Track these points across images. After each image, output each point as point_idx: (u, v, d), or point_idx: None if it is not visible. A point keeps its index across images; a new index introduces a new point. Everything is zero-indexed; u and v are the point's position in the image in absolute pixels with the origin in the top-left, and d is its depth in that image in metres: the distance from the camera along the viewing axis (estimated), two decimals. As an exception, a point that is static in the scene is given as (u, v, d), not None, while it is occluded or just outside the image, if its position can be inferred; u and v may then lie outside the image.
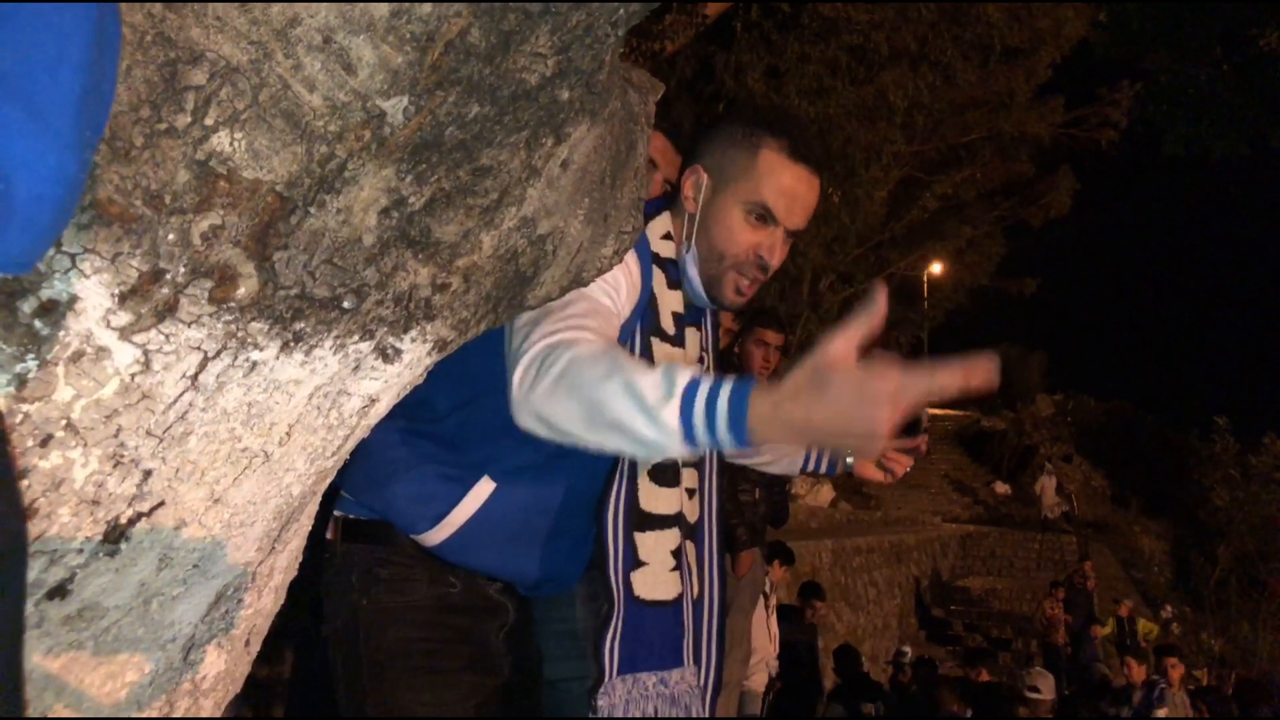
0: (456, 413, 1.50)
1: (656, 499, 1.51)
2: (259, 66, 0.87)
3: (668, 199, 1.63)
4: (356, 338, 1.11)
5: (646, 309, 1.51)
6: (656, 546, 1.50)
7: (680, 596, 1.54)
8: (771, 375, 4.31)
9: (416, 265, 1.12)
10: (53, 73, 0.63)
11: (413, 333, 1.19)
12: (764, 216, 1.51)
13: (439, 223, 1.10)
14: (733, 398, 1.03)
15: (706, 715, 1.58)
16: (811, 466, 1.96)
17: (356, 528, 1.54)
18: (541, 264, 1.31)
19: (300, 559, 1.40)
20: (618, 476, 1.48)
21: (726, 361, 4.01)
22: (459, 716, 1.47)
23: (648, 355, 1.50)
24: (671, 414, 1.04)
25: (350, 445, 1.26)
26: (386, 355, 1.18)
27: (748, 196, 1.50)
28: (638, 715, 1.47)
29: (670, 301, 1.55)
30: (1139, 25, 6.78)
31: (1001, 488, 22.94)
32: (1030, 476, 21.79)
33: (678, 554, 1.54)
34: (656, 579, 1.50)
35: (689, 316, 1.61)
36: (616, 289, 1.44)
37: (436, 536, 1.49)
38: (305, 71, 0.89)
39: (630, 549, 1.48)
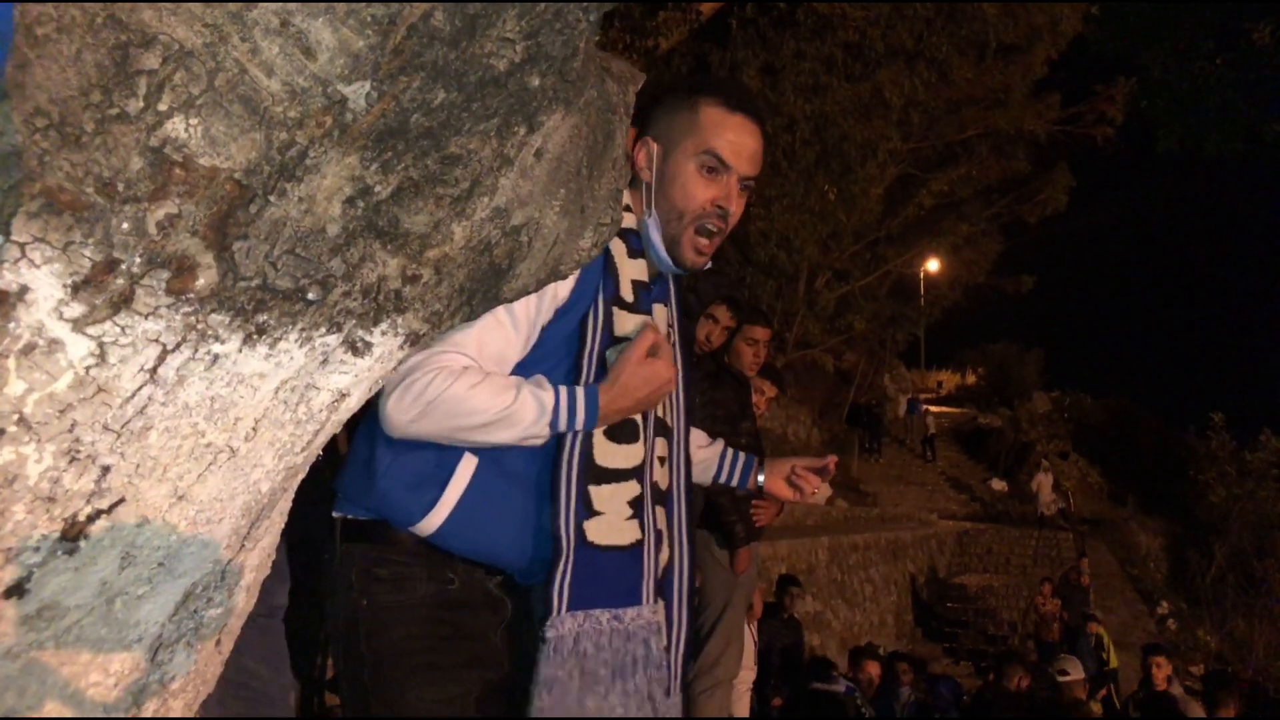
0: None
1: (614, 455, 1.54)
2: (214, 50, 0.85)
3: None
4: (323, 330, 1.08)
5: (606, 277, 1.56)
6: (612, 497, 1.53)
7: (640, 542, 1.55)
8: (762, 369, 4.29)
9: (385, 256, 1.10)
10: None
11: (383, 325, 1.16)
12: (715, 167, 1.59)
13: (407, 212, 1.08)
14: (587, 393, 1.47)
15: (676, 677, 1.60)
16: (724, 479, 1.99)
17: (355, 528, 1.55)
18: (516, 256, 1.29)
19: (273, 556, 1.37)
20: (570, 435, 1.51)
21: (721, 358, 3.99)
22: (461, 713, 1.46)
23: (609, 323, 1.55)
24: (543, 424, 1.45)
25: (321, 440, 1.24)
26: (356, 349, 1.15)
27: (697, 149, 1.59)
28: (589, 645, 1.48)
29: (631, 270, 1.59)
30: (1134, 21, 6.76)
31: (998, 485, 22.93)
32: (1027, 473, 21.77)
33: (637, 504, 1.55)
34: (612, 526, 1.52)
35: (657, 290, 1.66)
36: (526, 298, 1.48)
37: (433, 522, 1.49)
38: (263, 55, 0.86)
39: (583, 500, 1.50)
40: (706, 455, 1.98)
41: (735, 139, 1.59)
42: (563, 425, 1.47)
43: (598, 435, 1.52)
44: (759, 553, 4.35)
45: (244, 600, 1.32)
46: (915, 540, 16.53)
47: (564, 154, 1.26)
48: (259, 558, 1.31)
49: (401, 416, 1.40)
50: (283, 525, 1.36)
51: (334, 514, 1.57)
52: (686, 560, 1.70)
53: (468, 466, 1.49)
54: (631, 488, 1.55)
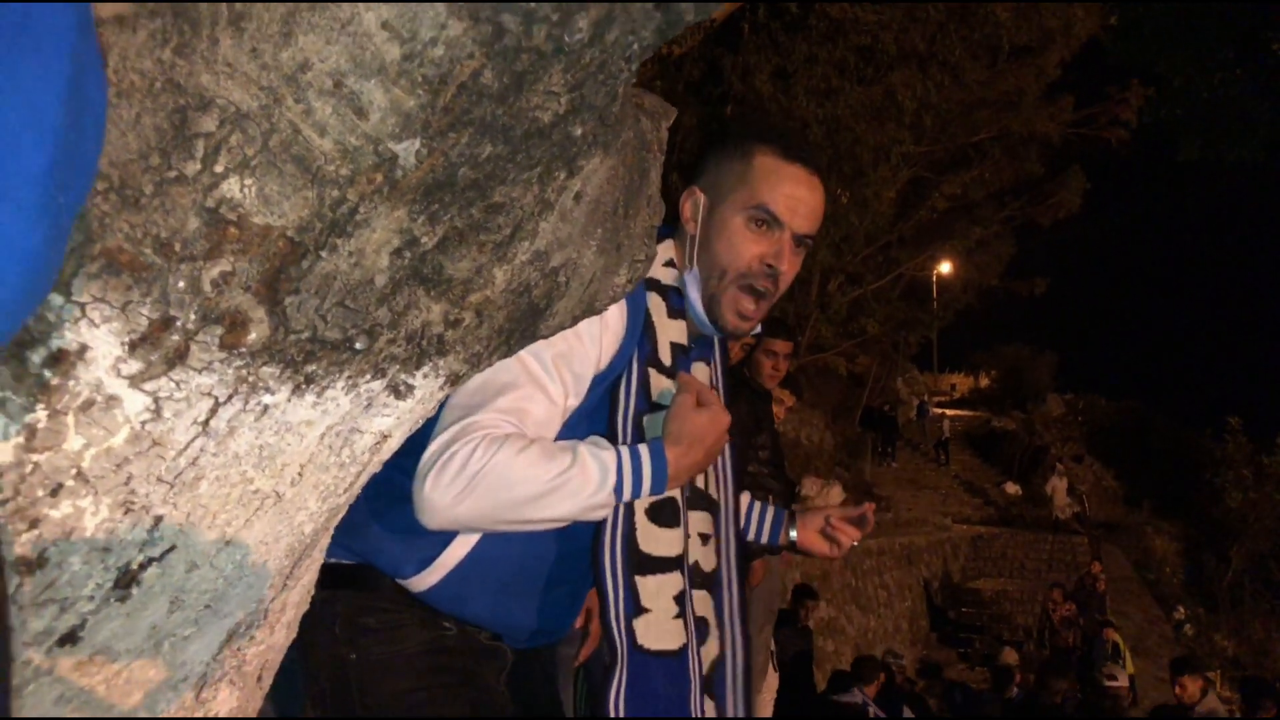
0: None
1: (657, 541, 1.42)
2: (269, 112, 0.86)
3: (671, 226, 1.56)
4: (369, 377, 1.09)
5: (643, 337, 1.45)
6: (659, 592, 1.41)
7: (685, 647, 1.43)
8: (782, 382, 4.29)
9: (429, 303, 1.11)
10: (13, 140, 0.58)
11: (425, 369, 1.17)
12: (766, 221, 1.44)
13: (451, 260, 1.09)
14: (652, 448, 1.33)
15: None
16: (752, 535, 1.83)
17: (336, 573, 1.42)
18: (554, 295, 1.30)
19: (312, 592, 1.39)
20: (612, 516, 1.39)
21: (738, 374, 3.99)
22: None
23: (644, 386, 1.43)
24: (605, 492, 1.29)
25: (362, 481, 1.25)
26: (399, 392, 1.16)
27: (746, 203, 1.44)
28: None
29: (670, 331, 1.48)
30: (1152, 30, 6.73)
31: (1012, 488, 22.84)
32: (1041, 477, 21.69)
33: (680, 600, 1.44)
34: (660, 627, 1.40)
35: (696, 350, 1.54)
36: (573, 362, 1.38)
37: (425, 581, 1.40)
38: (316, 116, 0.88)
39: (631, 594, 1.38)
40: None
41: (790, 192, 1.44)
42: (628, 490, 1.29)
43: (640, 518, 1.40)
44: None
45: (285, 636, 1.34)
46: (929, 545, 16.50)
47: (602, 195, 1.27)
48: (300, 595, 1.32)
49: (443, 498, 1.23)
50: (321, 561, 1.37)
51: None
52: (741, 651, 1.56)
53: (471, 535, 1.38)
54: (675, 581, 1.42)
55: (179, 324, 0.89)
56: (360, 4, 0.85)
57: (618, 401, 1.41)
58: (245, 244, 0.90)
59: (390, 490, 1.37)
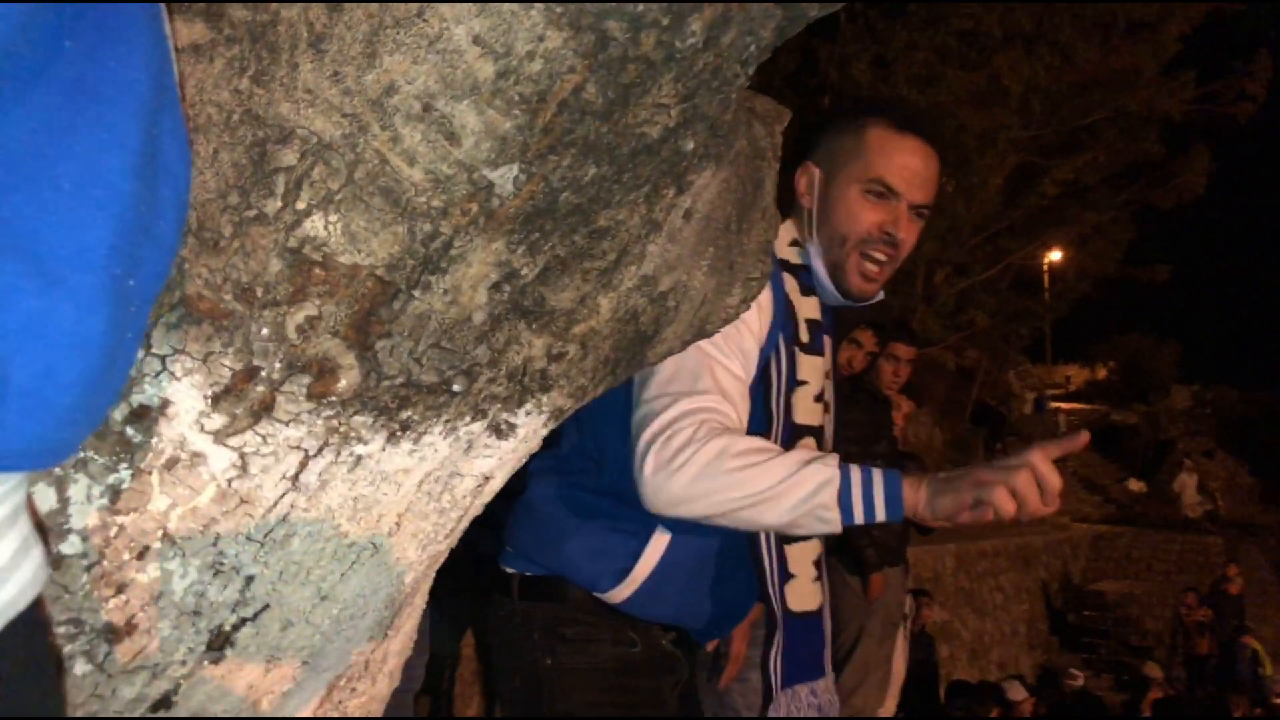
0: (617, 466, 1.46)
1: None
2: (353, 141, 0.78)
3: (786, 208, 1.58)
4: (468, 419, 1.01)
5: (785, 320, 1.48)
6: (801, 557, 1.51)
7: (821, 607, 1.56)
8: (902, 389, 4.10)
9: (531, 337, 1.02)
10: (68, 214, 0.49)
11: (527, 406, 1.09)
12: (882, 193, 1.47)
13: (553, 291, 1.00)
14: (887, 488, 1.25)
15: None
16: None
17: (533, 585, 1.52)
18: (663, 321, 1.20)
19: (415, 638, 1.32)
20: None
21: (861, 379, 3.82)
22: None
23: (793, 368, 1.47)
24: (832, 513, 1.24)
25: (464, 525, 1.18)
26: (500, 432, 1.08)
27: (862, 175, 1.47)
28: None
29: (806, 308, 1.52)
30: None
31: (1136, 485, 21.78)
32: (1167, 473, 20.62)
33: (819, 564, 1.56)
34: (804, 590, 1.51)
35: (826, 324, 1.57)
36: (741, 339, 1.39)
37: (622, 594, 1.46)
38: (404, 144, 0.79)
39: (782, 561, 1.48)
40: None
41: (905, 162, 1.46)
42: (857, 497, 1.23)
43: None
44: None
45: (387, 686, 1.28)
46: (1047, 545, 15.84)
47: (713, 211, 1.16)
48: (401, 644, 1.26)
49: (669, 477, 1.23)
50: (424, 606, 1.31)
51: (508, 569, 1.55)
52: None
53: (659, 543, 1.44)
54: (815, 546, 1.53)
55: (263, 374, 0.83)
56: (450, 19, 0.76)
57: (770, 382, 1.45)
58: (331, 286, 0.82)
59: (578, 509, 1.47)
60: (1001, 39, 14.40)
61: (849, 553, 3.82)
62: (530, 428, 1.12)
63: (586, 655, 1.49)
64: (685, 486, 1.24)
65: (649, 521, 1.42)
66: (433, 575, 1.25)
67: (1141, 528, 18.89)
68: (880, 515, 1.23)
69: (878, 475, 1.26)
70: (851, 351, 3.67)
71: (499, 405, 1.04)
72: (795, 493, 1.23)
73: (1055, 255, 21.15)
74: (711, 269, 1.22)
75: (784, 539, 1.48)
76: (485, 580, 1.61)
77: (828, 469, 1.25)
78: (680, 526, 1.43)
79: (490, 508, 1.19)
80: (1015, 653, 12.76)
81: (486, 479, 1.12)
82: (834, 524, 1.25)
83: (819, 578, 1.56)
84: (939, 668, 7.22)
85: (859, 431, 3.63)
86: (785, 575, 1.49)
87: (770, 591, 1.46)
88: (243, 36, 0.78)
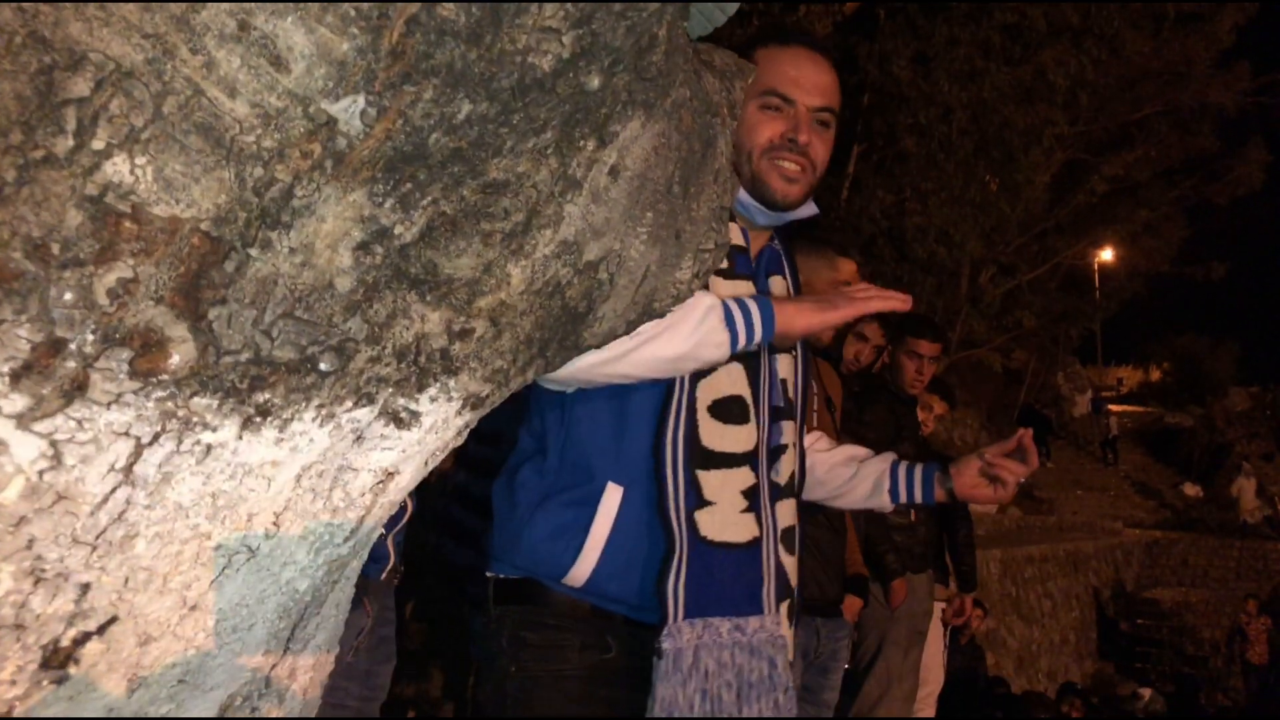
0: (553, 438, 1.45)
1: (722, 437, 1.42)
2: (158, 67, 0.66)
3: None
4: (349, 404, 0.88)
5: None
6: (724, 485, 1.41)
7: (757, 540, 1.43)
8: (927, 388, 3.89)
9: (424, 310, 0.89)
10: None
11: (431, 391, 0.96)
12: (778, 105, 1.46)
13: (446, 256, 0.86)
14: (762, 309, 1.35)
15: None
16: (903, 496, 1.68)
17: (507, 588, 1.47)
18: (596, 296, 1.06)
19: (336, 651, 1.20)
20: (674, 413, 1.39)
21: (872, 378, 3.64)
22: None
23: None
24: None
25: (371, 526, 1.05)
26: (399, 420, 0.95)
27: (755, 91, 1.47)
28: (711, 662, 1.36)
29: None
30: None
31: (1192, 489, 21.11)
32: (1225, 477, 19.95)
33: (752, 495, 1.44)
34: (725, 519, 1.40)
35: (768, 261, 1.56)
36: None
37: (583, 570, 1.40)
38: (221, 70, 0.67)
39: (692, 486, 1.39)
40: (873, 469, 1.71)
41: (791, 69, 1.47)
42: (738, 321, 1.33)
43: (703, 414, 1.40)
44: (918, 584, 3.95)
45: (302, 702, 1.15)
46: (1098, 551, 15.38)
47: (648, 170, 1.02)
48: (313, 657, 1.13)
49: (580, 359, 1.22)
50: (343, 618, 1.18)
51: (487, 573, 1.49)
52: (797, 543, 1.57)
53: (611, 499, 1.39)
54: (744, 475, 1.43)
55: (72, 347, 0.70)
56: (268, -83, 0.64)
57: None
58: (147, 242, 0.70)
59: (531, 494, 1.43)
60: (1047, 33, 14.05)
61: (871, 559, 3.64)
62: (439, 416, 0.99)
63: (550, 662, 1.41)
64: (593, 352, 1.23)
65: (597, 481, 1.39)
66: (347, 583, 1.12)
67: (1198, 533, 18.29)
68: (758, 333, 1.34)
69: (753, 300, 1.36)
70: (858, 346, 3.49)
71: (390, 389, 0.91)
72: (690, 318, 1.29)
73: (1106, 254, 20.63)
74: (652, 237, 1.08)
75: (695, 463, 1.40)
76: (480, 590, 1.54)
77: (710, 298, 1.33)
78: (631, 478, 1.39)
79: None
80: (1065, 661, 12.38)
81: (389, 474, 0.99)
82: (724, 345, 1.32)
83: (753, 509, 1.45)
84: (985, 677, 6.95)
85: (879, 432, 3.43)
86: (696, 501, 1.40)
87: (671, 513, 1.37)
88: (38, -51, 0.66)
